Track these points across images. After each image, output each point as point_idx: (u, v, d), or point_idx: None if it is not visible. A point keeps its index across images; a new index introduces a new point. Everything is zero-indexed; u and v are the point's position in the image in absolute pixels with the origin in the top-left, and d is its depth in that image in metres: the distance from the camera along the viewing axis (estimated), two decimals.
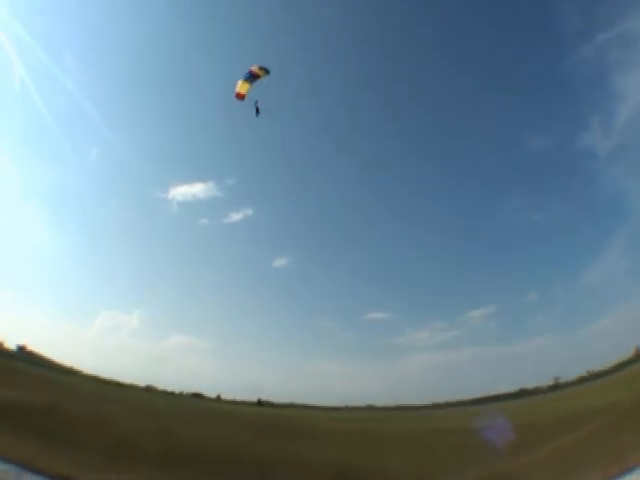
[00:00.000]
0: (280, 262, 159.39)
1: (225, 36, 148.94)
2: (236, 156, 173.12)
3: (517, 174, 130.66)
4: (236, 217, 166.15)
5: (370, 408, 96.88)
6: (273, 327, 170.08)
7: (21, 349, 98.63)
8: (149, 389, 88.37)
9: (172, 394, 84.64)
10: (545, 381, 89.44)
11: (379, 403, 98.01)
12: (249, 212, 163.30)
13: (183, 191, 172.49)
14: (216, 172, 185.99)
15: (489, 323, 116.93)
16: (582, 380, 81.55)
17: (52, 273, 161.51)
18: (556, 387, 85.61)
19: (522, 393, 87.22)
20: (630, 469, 16.53)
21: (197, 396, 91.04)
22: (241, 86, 23.51)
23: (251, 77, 24.72)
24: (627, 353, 77.49)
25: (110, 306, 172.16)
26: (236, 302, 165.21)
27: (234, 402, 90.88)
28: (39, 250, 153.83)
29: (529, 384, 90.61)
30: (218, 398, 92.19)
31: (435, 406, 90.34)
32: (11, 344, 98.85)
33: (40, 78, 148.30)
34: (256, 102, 25.25)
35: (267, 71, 25.46)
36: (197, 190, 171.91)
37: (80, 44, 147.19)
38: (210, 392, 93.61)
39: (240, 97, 22.97)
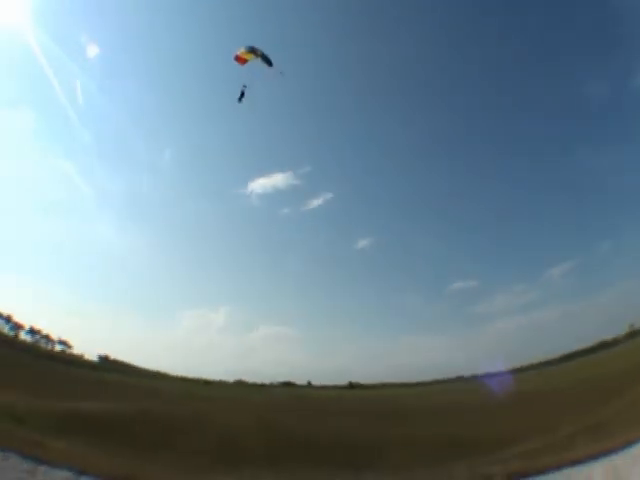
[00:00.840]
0: (363, 243, 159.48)
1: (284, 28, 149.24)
2: (309, 143, 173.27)
3: (585, 122, 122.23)
4: (316, 203, 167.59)
5: (460, 379, 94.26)
6: (358, 309, 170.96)
7: (103, 359, 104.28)
8: (240, 383, 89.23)
9: (263, 386, 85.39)
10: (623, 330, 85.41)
11: (467, 373, 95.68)
12: (329, 196, 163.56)
13: (262, 183, 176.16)
14: (292, 161, 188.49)
15: (567, 279, 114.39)
16: None
17: (134, 279, 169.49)
18: (632, 335, 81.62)
19: (602, 345, 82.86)
20: None
21: (288, 385, 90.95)
22: (243, 52, 22.01)
23: (252, 51, 22.67)
24: None
25: (196, 305, 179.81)
26: (321, 287, 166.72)
27: (325, 387, 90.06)
28: (120, 258, 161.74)
29: (608, 335, 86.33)
30: (309, 384, 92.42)
31: (522, 369, 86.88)
32: (92, 355, 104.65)
33: (107, 80, 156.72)
34: (244, 86, 23.37)
35: (269, 62, 22.97)
36: (276, 181, 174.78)
37: (146, 43, 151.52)
38: (300, 380, 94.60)
39: (241, 61, 21.48)
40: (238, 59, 21.84)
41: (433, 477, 16.73)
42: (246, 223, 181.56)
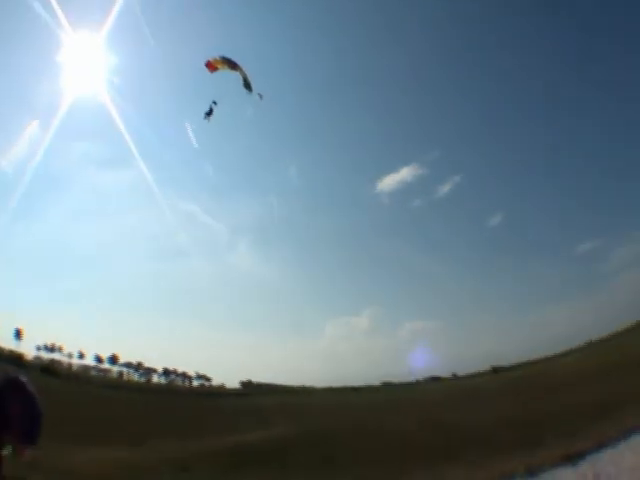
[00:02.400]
0: (494, 220, 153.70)
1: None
2: (428, 129, 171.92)
3: None
4: (445, 188, 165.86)
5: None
6: (491, 290, 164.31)
7: (247, 384, 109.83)
8: (387, 385, 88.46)
9: (410, 384, 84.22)
10: None
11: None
12: (457, 179, 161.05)
13: (389, 181, 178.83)
14: (415, 152, 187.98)
15: None
16: None
17: (270, 302, 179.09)
18: None
19: None
20: None
21: (435, 379, 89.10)
22: (216, 60, 19.79)
23: (227, 62, 20.00)
24: None
25: (337, 314, 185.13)
26: (456, 275, 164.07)
27: (470, 376, 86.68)
28: (256, 284, 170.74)
29: None
30: (454, 376, 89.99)
31: None
32: (233, 383, 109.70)
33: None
34: (214, 102, 20.23)
35: (248, 86, 20.07)
36: (403, 175, 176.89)
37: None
38: (443, 372, 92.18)
39: (211, 68, 19.44)
40: (208, 65, 19.41)
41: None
42: (379, 222, 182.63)
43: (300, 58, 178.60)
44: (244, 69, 19.28)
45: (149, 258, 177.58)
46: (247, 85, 19.33)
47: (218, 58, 19.16)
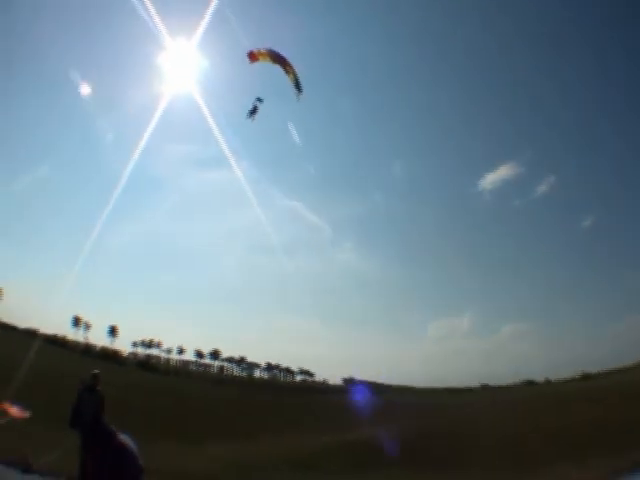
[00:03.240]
0: (587, 222, 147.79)
1: None
2: (525, 127, 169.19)
3: None
4: (542, 188, 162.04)
5: None
6: (580, 292, 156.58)
7: (349, 381, 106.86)
8: (485, 387, 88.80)
9: (508, 387, 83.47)
10: None
11: None
12: (551, 179, 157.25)
13: (491, 179, 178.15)
14: (512, 149, 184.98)
15: None
16: None
17: (373, 300, 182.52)
18: None
19: None
20: None
21: (530, 383, 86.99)
22: (261, 53, 17.80)
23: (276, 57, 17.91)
24: None
25: (439, 315, 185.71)
26: (552, 276, 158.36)
27: (562, 382, 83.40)
28: (360, 281, 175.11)
29: None
30: (547, 381, 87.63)
31: None
32: (335, 379, 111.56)
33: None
34: (258, 99, 18.47)
35: (296, 85, 18.02)
36: (502, 173, 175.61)
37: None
38: (538, 376, 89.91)
39: (253, 58, 17.53)
40: (251, 55, 17.67)
41: None
42: (480, 221, 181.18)
43: (402, 54, 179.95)
44: (294, 68, 17.41)
45: (250, 255, 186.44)
46: (297, 85, 17.69)
47: (263, 50, 17.60)
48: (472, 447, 22.80)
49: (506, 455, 20.01)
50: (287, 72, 17.59)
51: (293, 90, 17.79)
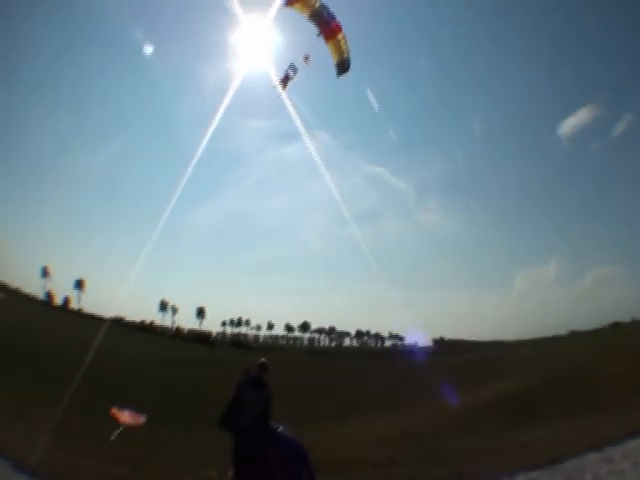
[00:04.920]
0: None
1: None
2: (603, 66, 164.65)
3: None
4: (620, 128, 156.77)
5: None
6: None
7: (439, 342, 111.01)
8: (573, 333, 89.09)
9: (595, 331, 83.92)
10: None
11: None
12: (629, 117, 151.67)
13: (569, 124, 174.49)
14: (589, 92, 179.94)
15: None
16: None
17: (459, 259, 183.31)
18: None
19: None
20: None
21: (616, 325, 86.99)
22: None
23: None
24: None
25: (525, 265, 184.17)
26: (633, 215, 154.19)
27: None
28: (444, 242, 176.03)
29: None
30: (634, 321, 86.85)
31: None
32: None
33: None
34: (292, 67, 13.90)
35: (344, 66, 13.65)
36: (581, 117, 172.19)
37: None
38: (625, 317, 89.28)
39: (289, 2, 12.96)
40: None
41: None
42: (562, 168, 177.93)
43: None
44: (344, 39, 13.00)
45: (334, 225, 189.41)
46: (341, 63, 13.51)
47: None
48: (601, 389, 23.04)
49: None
50: (328, 42, 13.10)
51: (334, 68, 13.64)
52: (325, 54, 13.50)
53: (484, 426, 18.52)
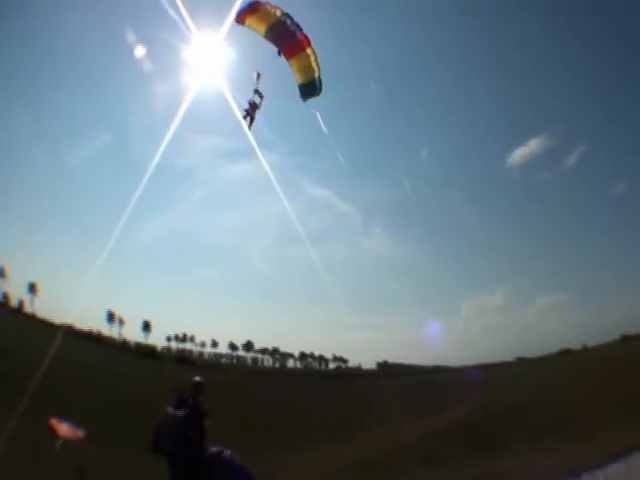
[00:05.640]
0: (619, 188, 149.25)
1: None
2: (557, 99, 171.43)
3: None
4: (571, 160, 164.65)
5: None
6: (618, 260, 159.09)
7: (383, 365, 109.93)
8: (521, 360, 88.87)
9: (543, 358, 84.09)
10: None
11: None
12: (582, 149, 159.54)
13: (519, 154, 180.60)
14: (542, 122, 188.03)
15: None
16: None
17: (407, 283, 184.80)
18: None
19: None
20: None
21: (566, 352, 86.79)
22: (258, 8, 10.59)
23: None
24: None
25: (472, 293, 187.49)
26: (586, 245, 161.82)
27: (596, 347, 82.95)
28: (391, 267, 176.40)
29: None
30: (584, 348, 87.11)
31: None
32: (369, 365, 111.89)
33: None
34: (257, 93, 11.57)
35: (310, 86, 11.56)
36: (531, 148, 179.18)
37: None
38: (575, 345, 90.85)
39: (240, 18, 10.74)
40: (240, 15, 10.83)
41: None
42: (509, 197, 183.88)
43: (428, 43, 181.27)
44: (314, 57, 10.79)
45: (280, 246, 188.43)
46: (310, 86, 11.30)
47: (270, 7, 10.33)
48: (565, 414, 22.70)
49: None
50: (292, 58, 10.86)
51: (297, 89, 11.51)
52: (280, 71, 11.43)
53: (444, 455, 17.33)
